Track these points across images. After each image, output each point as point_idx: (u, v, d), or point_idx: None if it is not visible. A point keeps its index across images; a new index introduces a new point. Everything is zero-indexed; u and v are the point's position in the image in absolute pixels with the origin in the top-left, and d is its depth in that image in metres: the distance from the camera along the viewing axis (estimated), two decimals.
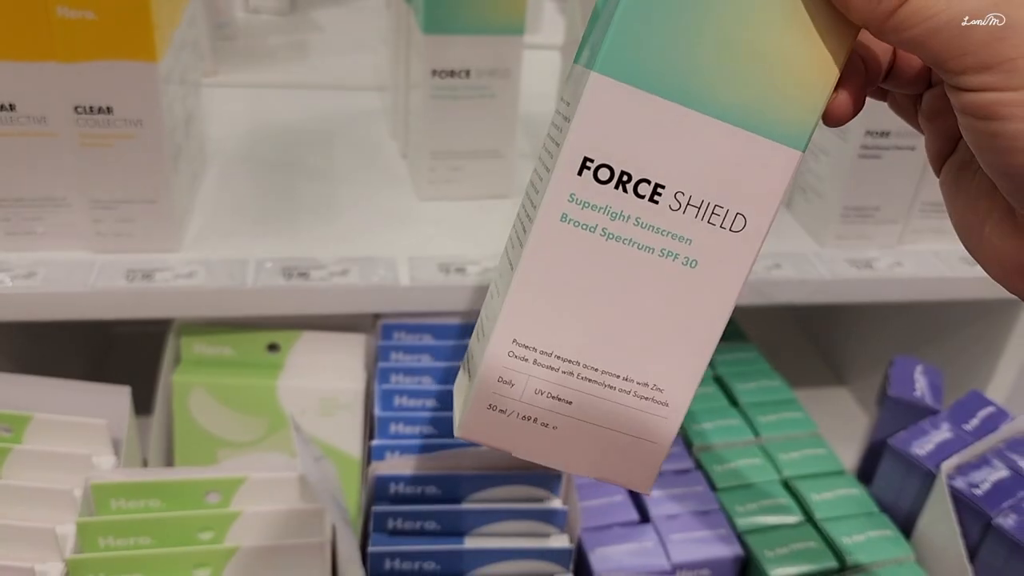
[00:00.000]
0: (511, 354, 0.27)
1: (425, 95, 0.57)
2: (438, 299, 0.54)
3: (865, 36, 0.27)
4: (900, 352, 0.69)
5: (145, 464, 0.55)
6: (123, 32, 0.46)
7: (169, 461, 0.57)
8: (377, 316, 0.58)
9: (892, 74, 0.28)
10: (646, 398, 0.27)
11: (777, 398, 0.63)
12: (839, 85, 0.26)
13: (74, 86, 0.47)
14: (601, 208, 0.26)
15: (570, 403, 0.27)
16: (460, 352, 0.56)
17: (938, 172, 0.29)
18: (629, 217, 0.26)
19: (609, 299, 0.27)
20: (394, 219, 0.59)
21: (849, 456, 0.66)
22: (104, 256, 0.52)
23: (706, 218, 0.26)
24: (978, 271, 0.61)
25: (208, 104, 0.68)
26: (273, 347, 0.56)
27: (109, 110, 0.48)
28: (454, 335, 0.57)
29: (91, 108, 0.48)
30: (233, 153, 0.65)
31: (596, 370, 0.27)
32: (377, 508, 0.45)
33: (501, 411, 0.27)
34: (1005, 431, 0.56)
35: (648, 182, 0.26)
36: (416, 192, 0.62)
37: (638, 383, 0.27)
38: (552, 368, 0.27)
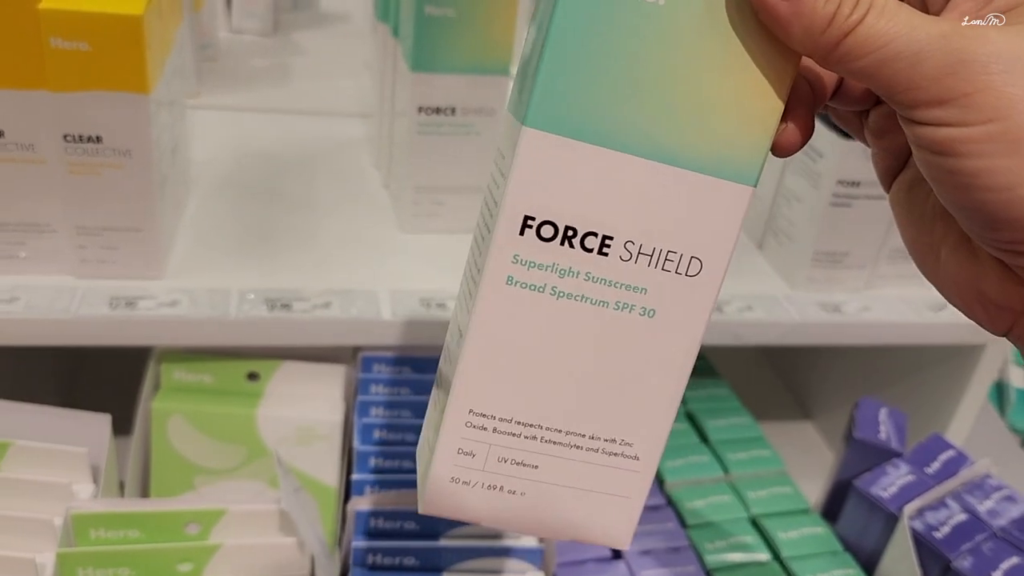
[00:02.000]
0: (469, 424, 0.26)
1: (411, 130, 0.58)
2: (419, 333, 0.54)
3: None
4: (865, 390, 0.71)
5: (121, 487, 0.55)
6: (116, 64, 0.46)
7: (146, 486, 0.57)
8: (357, 348, 0.58)
9: (838, 93, 0.27)
10: (615, 454, 0.27)
11: (746, 435, 0.65)
12: (785, 115, 0.25)
13: (64, 115, 0.47)
14: (548, 266, 0.25)
15: (536, 467, 0.26)
16: None
17: (887, 188, 0.28)
18: (579, 272, 0.25)
19: (566, 358, 0.25)
20: (376, 251, 0.60)
21: (814, 492, 0.67)
22: (87, 282, 0.52)
23: (659, 265, 0.25)
24: (943, 317, 0.63)
25: (191, 127, 0.69)
26: (253, 376, 0.57)
27: (98, 139, 0.48)
28: (434, 369, 0.58)
29: (80, 137, 0.48)
30: (216, 179, 0.66)
31: (560, 431, 0.26)
32: (356, 543, 0.46)
33: (464, 483, 0.26)
34: (964, 475, 0.58)
35: (595, 234, 0.24)
36: (399, 224, 0.63)
37: (605, 440, 0.26)
38: (513, 434, 0.26)
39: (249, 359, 0.56)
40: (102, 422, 0.50)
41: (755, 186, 0.25)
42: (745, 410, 0.67)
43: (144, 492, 0.57)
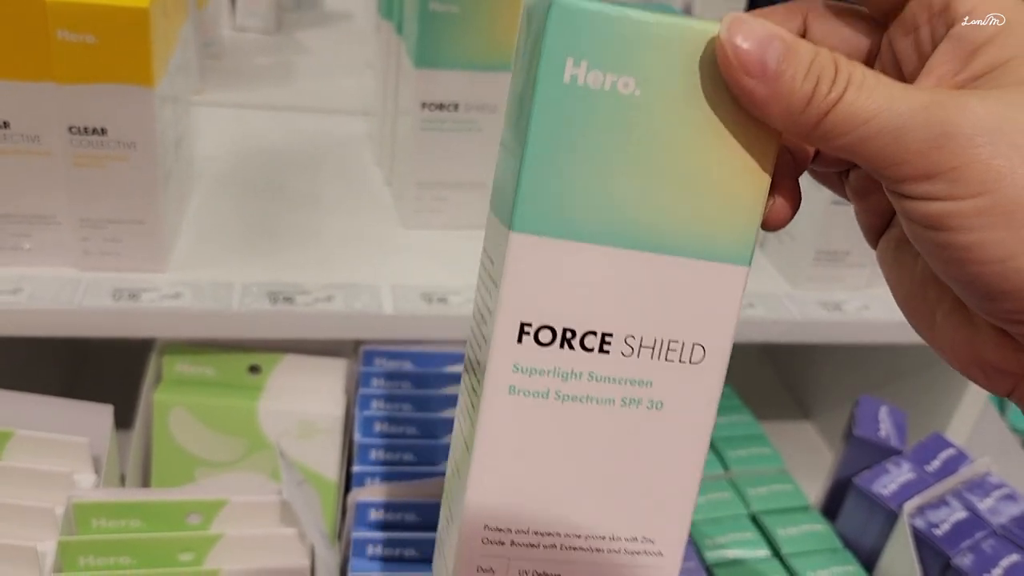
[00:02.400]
0: (485, 540, 0.25)
1: (414, 126, 0.59)
2: (421, 328, 0.55)
3: None
4: (865, 389, 0.72)
5: (122, 479, 0.55)
6: (122, 56, 0.46)
7: (147, 478, 0.57)
8: (359, 342, 0.58)
9: (819, 156, 0.26)
10: (638, 552, 0.26)
11: (746, 433, 0.65)
12: (772, 189, 0.24)
13: (70, 107, 0.48)
14: (550, 371, 0.24)
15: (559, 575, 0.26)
16: (440, 380, 0.57)
17: (873, 245, 0.27)
18: (581, 374, 0.24)
19: (577, 461, 0.25)
20: (379, 246, 0.60)
21: (813, 490, 0.68)
22: (90, 274, 0.52)
23: (663, 356, 0.24)
24: None
25: (195, 123, 0.69)
26: (254, 369, 0.57)
27: (103, 132, 0.49)
28: (435, 363, 0.58)
29: (85, 129, 0.48)
30: (220, 174, 0.66)
31: (579, 536, 0.25)
32: (357, 534, 0.46)
33: None
34: (964, 473, 0.58)
35: (594, 333, 0.24)
36: (401, 220, 0.63)
37: (626, 539, 0.26)
38: (532, 545, 0.25)
39: (251, 352, 0.57)
40: (104, 413, 0.50)
41: (749, 265, 0.24)
42: (746, 408, 0.68)
43: (145, 484, 0.57)
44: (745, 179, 0.24)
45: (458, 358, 0.58)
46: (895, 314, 0.64)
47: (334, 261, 0.57)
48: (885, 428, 0.62)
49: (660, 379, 0.25)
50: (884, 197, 0.25)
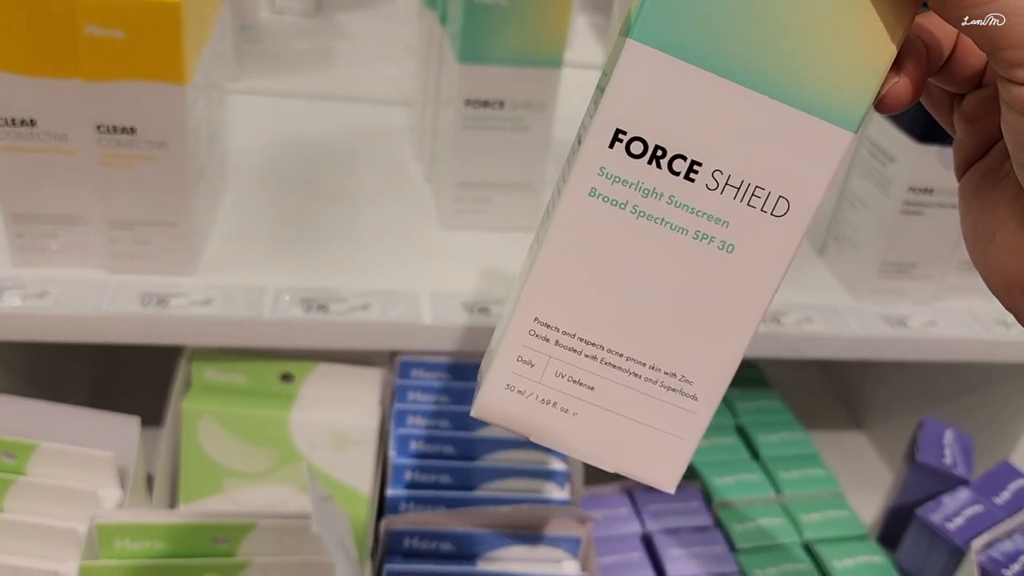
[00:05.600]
0: (532, 332, 0.26)
1: (456, 124, 0.56)
2: (460, 339, 0.52)
3: (928, 20, 0.26)
4: (924, 404, 0.68)
5: (149, 485, 0.54)
6: (152, 53, 0.44)
7: (174, 488, 0.55)
8: (395, 351, 0.56)
9: (946, 67, 0.27)
10: (674, 389, 0.26)
11: (800, 452, 0.62)
12: (896, 67, 0.24)
13: (98, 105, 0.45)
14: (633, 184, 0.24)
15: (592, 389, 0.26)
16: None
17: (960, 175, 0.28)
18: (662, 195, 0.24)
19: (638, 281, 0.25)
20: (417, 249, 0.57)
21: (867, 510, 0.64)
22: (118, 277, 0.50)
23: (746, 200, 0.24)
24: (1013, 334, 0.60)
25: (231, 112, 0.66)
26: (287, 377, 0.55)
27: (133, 131, 0.46)
28: (475, 375, 0.55)
29: (114, 128, 0.46)
30: (254, 169, 0.64)
31: (621, 356, 0.26)
32: (390, 566, 0.44)
33: (519, 392, 0.26)
34: None
35: (684, 158, 0.24)
36: (440, 220, 0.60)
37: (665, 373, 0.26)
38: (575, 350, 0.26)
39: (283, 360, 0.54)
40: (131, 425, 0.49)
41: (856, 133, 0.24)
42: (798, 424, 0.64)
43: (173, 494, 0.55)
44: (871, 44, 0.24)
45: None
46: (964, 331, 0.60)
47: (370, 264, 0.55)
48: (951, 454, 0.58)
49: (738, 222, 0.25)
50: (992, 124, 0.26)
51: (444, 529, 0.45)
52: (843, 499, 0.59)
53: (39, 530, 0.42)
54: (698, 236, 0.25)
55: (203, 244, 0.53)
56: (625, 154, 0.24)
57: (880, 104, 0.25)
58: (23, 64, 0.44)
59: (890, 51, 0.24)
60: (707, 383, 0.26)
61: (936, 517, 0.54)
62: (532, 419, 0.26)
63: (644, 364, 0.26)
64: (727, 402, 0.64)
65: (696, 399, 0.26)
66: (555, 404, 0.26)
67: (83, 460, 0.46)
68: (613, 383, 0.26)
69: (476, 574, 0.44)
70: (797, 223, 0.25)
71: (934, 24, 0.26)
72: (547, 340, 0.26)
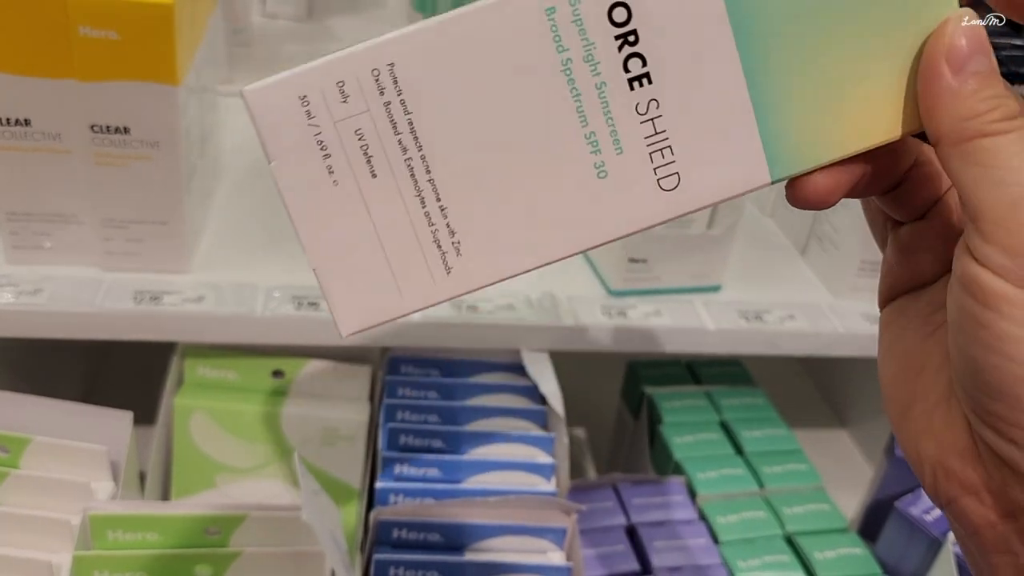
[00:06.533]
0: (374, 72, 0.22)
1: None
2: (449, 336, 0.53)
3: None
4: None
5: (142, 480, 0.54)
6: (146, 53, 0.45)
7: (167, 483, 0.56)
8: (385, 348, 0.57)
9: (894, 192, 0.25)
10: (440, 247, 0.22)
11: (783, 448, 0.63)
12: (841, 162, 0.23)
13: (91, 105, 0.46)
14: (584, 37, 0.22)
15: (374, 177, 0.22)
16: (469, 390, 0.55)
17: (882, 305, 0.27)
18: (592, 58, 0.22)
19: (498, 111, 0.22)
20: None
21: (849, 505, 0.65)
22: (112, 274, 0.51)
23: (652, 148, 0.22)
24: None
25: (222, 114, 0.67)
26: (278, 373, 0.56)
27: (126, 130, 0.47)
28: (464, 372, 0.56)
29: (108, 128, 0.47)
30: (246, 169, 0.64)
31: (428, 173, 0.22)
32: (379, 556, 0.45)
33: (308, 112, 0.23)
34: None
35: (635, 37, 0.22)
36: None
37: (448, 225, 0.22)
38: (394, 125, 0.22)
39: (274, 356, 0.55)
40: (123, 419, 0.49)
41: (771, 182, 0.23)
42: (782, 421, 0.65)
43: (165, 488, 0.56)
44: (868, 117, 0.23)
45: (487, 367, 0.57)
46: None
47: None
48: None
49: (628, 162, 0.23)
50: (925, 260, 0.25)
51: (432, 520, 0.46)
52: (825, 493, 0.60)
53: (33, 522, 0.43)
54: (589, 138, 0.22)
55: (196, 242, 0.54)
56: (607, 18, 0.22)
57: (791, 194, 0.23)
58: (18, 64, 0.45)
59: (858, 142, 0.23)
60: (472, 268, 0.23)
61: (914, 510, 0.55)
62: (294, 147, 0.23)
63: (439, 199, 0.22)
64: (711, 398, 0.65)
65: (448, 272, 0.23)
66: (326, 151, 0.22)
67: (76, 454, 0.47)
68: (395, 187, 0.22)
69: (464, 564, 0.45)
70: (680, 205, 0.23)
71: (897, 146, 0.24)
72: (382, 92, 0.22)
